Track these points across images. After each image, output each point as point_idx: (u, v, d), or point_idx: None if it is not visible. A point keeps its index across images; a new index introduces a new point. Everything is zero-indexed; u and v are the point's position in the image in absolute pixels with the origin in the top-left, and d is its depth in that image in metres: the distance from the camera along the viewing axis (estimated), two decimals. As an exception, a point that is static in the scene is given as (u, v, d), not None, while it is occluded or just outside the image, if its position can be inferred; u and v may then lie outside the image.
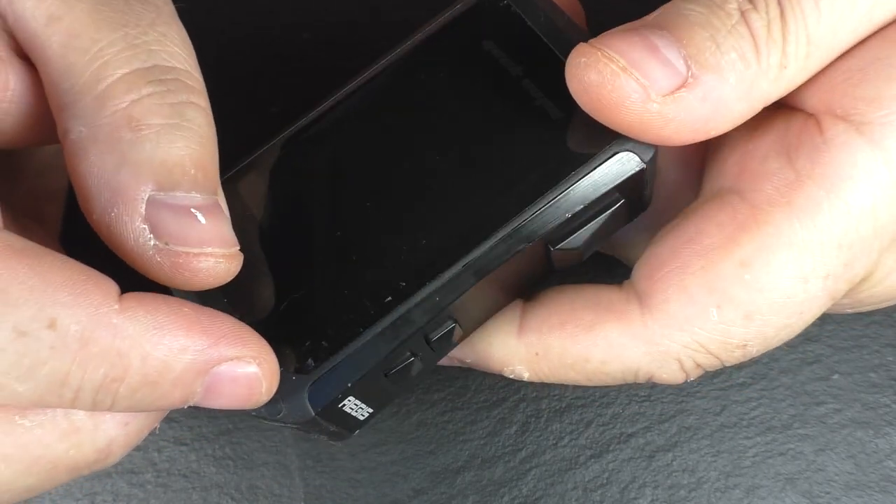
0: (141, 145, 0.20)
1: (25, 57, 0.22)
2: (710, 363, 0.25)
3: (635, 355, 0.25)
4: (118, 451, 0.23)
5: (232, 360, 0.21)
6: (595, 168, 0.24)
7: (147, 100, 0.21)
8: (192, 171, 0.21)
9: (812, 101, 0.24)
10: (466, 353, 0.27)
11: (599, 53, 0.22)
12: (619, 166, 0.24)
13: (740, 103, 0.22)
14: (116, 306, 0.20)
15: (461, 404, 0.32)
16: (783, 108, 0.25)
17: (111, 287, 0.20)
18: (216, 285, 0.22)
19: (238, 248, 0.22)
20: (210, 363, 0.21)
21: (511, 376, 0.27)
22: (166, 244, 0.21)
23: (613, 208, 0.24)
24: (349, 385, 0.23)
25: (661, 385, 0.30)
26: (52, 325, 0.19)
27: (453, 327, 0.24)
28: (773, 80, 0.22)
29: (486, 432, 0.32)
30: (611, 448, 0.32)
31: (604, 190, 0.24)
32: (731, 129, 0.23)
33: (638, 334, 0.25)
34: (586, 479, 0.32)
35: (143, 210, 0.20)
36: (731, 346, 0.24)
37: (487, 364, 0.27)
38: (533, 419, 0.32)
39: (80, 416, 0.22)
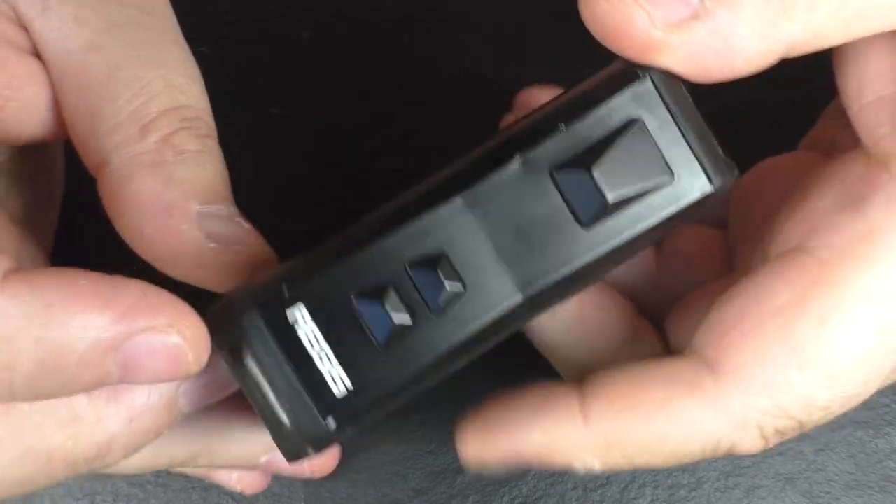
0: (184, 166, 0.22)
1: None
2: (790, 427, 0.23)
3: (716, 427, 0.23)
4: (119, 450, 0.22)
5: (145, 331, 0.20)
6: (591, 85, 0.22)
7: (182, 132, 0.22)
8: (225, 190, 0.23)
9: (879, 146, 0.23)
10: (525, 449, 0.25)
11: None
12: (618, 77, 0.22)
13: (757, 41, 0.21)
14: None
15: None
16: (832, 162, 0.24)
17: None
18: None
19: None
20: (118, 338, 0.19)
21: (580, 471, 0.25)
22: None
23: (632, 130, 0.22)
24: (289, 281, 0.21)
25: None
26: None
27: (442, 258, 0.21)
28: (797, 21, 0.21)
29: (486, 432, 0.32)
30: (611, 448, 0.32)
31: (603, 98, 0.22)
32: (749, 72, 0.22)
33: (716, 404, 0.23)
34: (586, 479, 0.32)
35: (196, 221, 0.22)
36: (814, 409, 0.23)
37: (552, 459, 0.25)
38: (533, 419, 0.32)
39: (81, 405, 0.21)
